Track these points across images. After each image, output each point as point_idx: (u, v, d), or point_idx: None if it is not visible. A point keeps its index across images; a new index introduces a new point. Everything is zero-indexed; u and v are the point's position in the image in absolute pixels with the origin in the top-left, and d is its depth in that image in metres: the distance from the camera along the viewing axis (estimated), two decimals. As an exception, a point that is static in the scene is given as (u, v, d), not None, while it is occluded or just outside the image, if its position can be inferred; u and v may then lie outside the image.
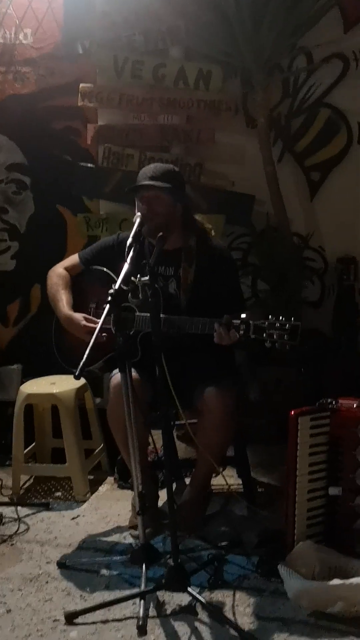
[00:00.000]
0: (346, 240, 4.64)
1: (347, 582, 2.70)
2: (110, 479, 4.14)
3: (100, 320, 2.80)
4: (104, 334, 2.82)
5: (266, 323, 2.95)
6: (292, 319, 2.94)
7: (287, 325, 2.92)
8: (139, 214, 3.17)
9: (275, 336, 2.93)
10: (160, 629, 2.74)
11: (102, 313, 2.82)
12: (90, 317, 3.40)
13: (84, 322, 3.36)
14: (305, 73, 4.58)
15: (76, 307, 3.49)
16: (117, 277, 2.88)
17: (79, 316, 3.40)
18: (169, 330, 3.18)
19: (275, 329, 2.93)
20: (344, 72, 4.54)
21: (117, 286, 2.80)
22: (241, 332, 3.00)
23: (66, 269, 3.64)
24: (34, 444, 4.25)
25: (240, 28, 4.15)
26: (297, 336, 2.91)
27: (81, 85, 4.56)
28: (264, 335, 2.95)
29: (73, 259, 3.68)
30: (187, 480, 3.74)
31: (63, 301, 3.49)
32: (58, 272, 3.63)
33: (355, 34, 4.48)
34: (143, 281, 2.88)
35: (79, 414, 4.01)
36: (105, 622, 2.79)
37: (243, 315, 3.02)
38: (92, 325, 3.31)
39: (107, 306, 2.78)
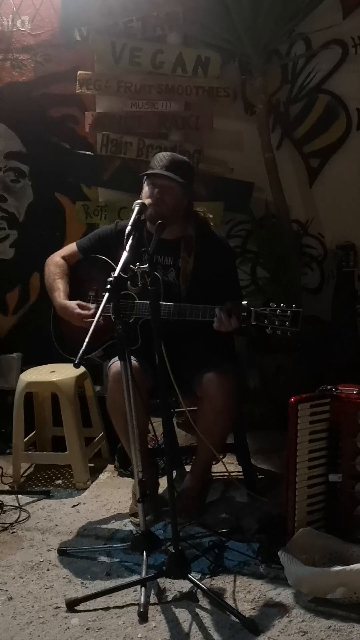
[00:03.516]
0: (345, 227, 4.62)
1: (347, 568, 2.70)
2: (110, 467, 4.14)
3: (100, 308, 2.79)
4: (101, 320, 2.82)
5: (267, 310, 2.95)
6: (294, 305, 2.94)
7: (289, 312, 2.93)
8: (138, 201, 3.16)
9: (276, 323, 2.93)
10: (162, 616, 2.75)
11: (102, 300, 2.81)
12: (84, 303, 3.40)
13: (77, 310, 3.36)
14: (304, 59, 4.55)
15: (75, 296, 3.49)
16: (116, 266, 2.88)
17: (72, 304, 3.40)
18: (169, 317, 3.17)
19: (276, 316, 2.94)
20: (343, 58, 4.50)
21: (116, 273, 2.80)
22: (242, 318, 3.00)
23: (64, 257, 3.63)
24: (34, 432, 4.26)
25: (238, 13, 4.13)
26: (298, 323, 2.91)
27: (79, 72, 4.53)
28: (265, 322, 2.95)
29: (71, 247, 3.68)
30: (188, 468, 3.75)
31: (60, 290, 3.49)
32: (56, 261, 3.62)
33: (354, 19, 4.43)
34: (142, 269, 2.87)
35: (79, 401, 4.01)
36: (106, 609, 2.80)
37: (245, 302, 3.02)
38: (85, 312, 3.32)
39: (106, 293, 2.78)
